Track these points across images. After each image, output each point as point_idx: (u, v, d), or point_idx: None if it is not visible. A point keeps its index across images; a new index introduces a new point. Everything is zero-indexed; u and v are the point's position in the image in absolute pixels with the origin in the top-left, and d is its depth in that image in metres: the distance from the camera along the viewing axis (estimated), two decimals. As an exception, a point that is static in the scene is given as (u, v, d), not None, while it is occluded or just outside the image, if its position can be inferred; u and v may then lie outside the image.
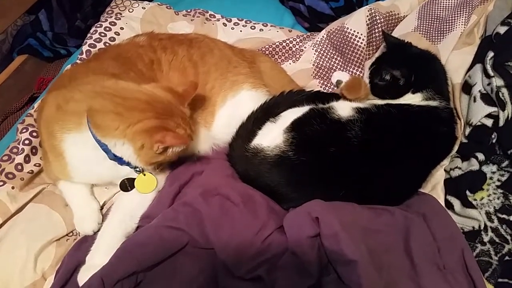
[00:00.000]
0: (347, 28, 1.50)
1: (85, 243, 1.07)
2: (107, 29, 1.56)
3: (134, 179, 1.12)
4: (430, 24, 1.49)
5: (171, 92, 1.04)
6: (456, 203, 1.13)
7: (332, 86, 1.53)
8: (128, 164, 1.03)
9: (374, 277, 0.89)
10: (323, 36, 1.56)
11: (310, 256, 0.94)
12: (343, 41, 1.51)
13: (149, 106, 0.99)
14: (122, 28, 1.58)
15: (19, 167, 1.19)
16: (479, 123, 1.20)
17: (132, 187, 1.12)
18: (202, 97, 1.22)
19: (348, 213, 1.02)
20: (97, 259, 1.00)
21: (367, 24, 1.48)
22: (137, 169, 1.09)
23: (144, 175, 1.11)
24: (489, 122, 1.19)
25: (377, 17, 1.50)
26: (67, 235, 1.13)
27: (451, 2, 1.53)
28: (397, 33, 1.51)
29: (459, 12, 1.47)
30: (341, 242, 0.92)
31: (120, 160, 1.02)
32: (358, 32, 1.49)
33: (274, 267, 0.96)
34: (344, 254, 0.91)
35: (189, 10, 1.77)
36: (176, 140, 0.98)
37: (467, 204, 1.11)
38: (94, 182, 1.17)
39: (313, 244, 0.96)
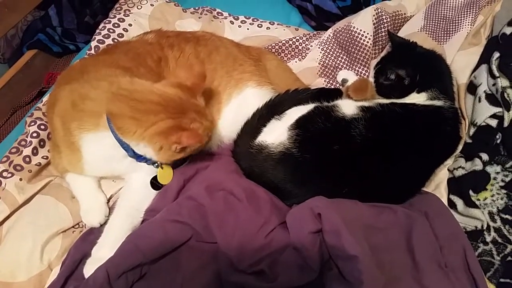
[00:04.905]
0: (354, 27, 1.50)
1: (91, 235, 1.09)
2: (116, 25, 1.57)
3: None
4: (436, 24, 1.48)
5: (180, 87, 1.05)
6: (459, 202, 1.13)
7: (337, 85, 1.53)
8: (147, 161, 1.06)
9: (375, 273, 0.90)
10: (329, 35, 1.56)
11: (312, 251, 0.95)
12: (349, 40, 1.52)
13: (161, 107, 1.00)
14: (130, 25, 1.59)
15: (27, 159, 1.21)
16: (483, 124, 1.20)
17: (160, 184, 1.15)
18: (209, 88, 1.22)
19: (351, 210, 1.03)
20: (102, 252, 1.01)
21: (374, 24, 1.48)
22: (156, 164, 1.11)
23: (162, 168, 1.13)
24: (493, 123, 1.19)
25: (384, 17, 1.50)
26: (73, 227, 1.15)
27: (458, 3, 1.52)
28: (403, 33, 1.51)
29: (465, 13, 1.47)
30: (343, 238, 0.93)
31: (139, 158, 1.04)
32: (364, 31, 1.49)
33: (276, 262, 0.97)
34: (346, 250, 0.91)
35: (196, 8, 1.78)
36: (192, 139, 0.99)
37: (470, 203, 1.11)
38: (104, 176, 1.19)
39: (315, 240, 0.97)
